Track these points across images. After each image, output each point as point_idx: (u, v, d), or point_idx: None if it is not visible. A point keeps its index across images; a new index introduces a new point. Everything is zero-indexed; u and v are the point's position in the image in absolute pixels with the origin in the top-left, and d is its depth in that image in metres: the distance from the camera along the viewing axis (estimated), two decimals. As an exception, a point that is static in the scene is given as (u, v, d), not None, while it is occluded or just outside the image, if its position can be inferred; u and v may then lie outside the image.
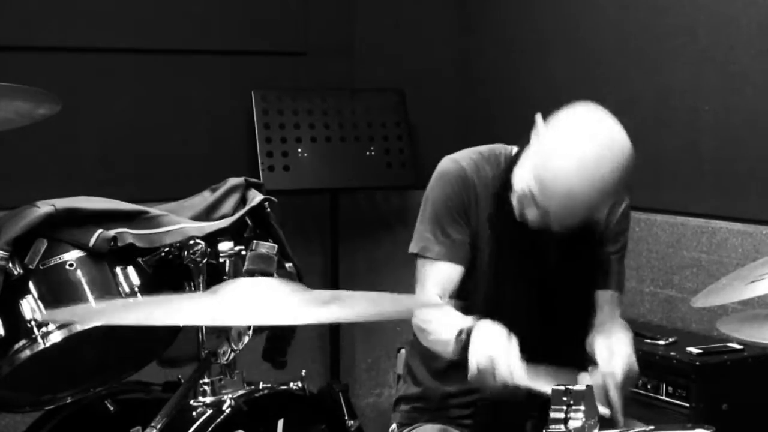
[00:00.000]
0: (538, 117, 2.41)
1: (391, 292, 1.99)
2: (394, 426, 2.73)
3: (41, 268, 2.57)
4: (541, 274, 2.54)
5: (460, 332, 2.37)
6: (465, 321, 2.40)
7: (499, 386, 2.30)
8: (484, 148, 2.61)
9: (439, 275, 2.54)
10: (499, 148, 2.61)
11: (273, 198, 2.91)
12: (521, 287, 2.54)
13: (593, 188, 2.32)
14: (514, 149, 2.57)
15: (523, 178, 2.41)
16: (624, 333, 2.60)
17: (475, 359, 2.31)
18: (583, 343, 2.57)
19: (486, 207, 2.52)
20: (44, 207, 2.59)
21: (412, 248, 2.58)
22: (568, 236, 2.44)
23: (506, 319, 2.40)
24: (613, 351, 2.46)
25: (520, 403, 2.41)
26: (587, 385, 2.23)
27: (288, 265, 2.83)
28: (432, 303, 2.44)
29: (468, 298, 2.55)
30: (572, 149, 2.32)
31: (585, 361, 2.52)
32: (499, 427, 2.59)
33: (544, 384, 2.26)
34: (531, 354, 2.38)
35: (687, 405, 3.13)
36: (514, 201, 2.44)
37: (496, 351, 2.31)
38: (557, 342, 2.54)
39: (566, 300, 2.56)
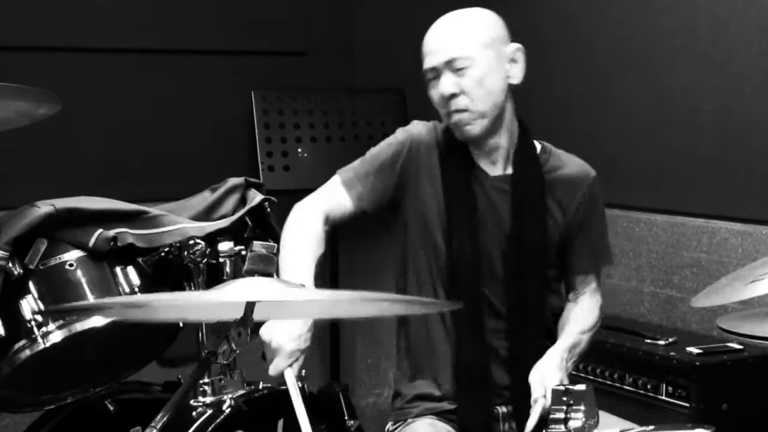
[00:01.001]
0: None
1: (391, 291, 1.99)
2: (389, 425, 2.75)
3: (41, 268, 2.57)
4: (498, 236, 2.62)
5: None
6: (304, 280, 2.45)
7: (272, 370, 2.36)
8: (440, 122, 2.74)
9: (336, 199, 2.63)
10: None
11: (273, 198, 2.91)
12: (476, 231, 2.60)
13: (448, 16, 2.63)
14: None
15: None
16: (569, 340, 2.64)
17: (266, 333, 2.37)
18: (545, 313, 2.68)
19: (433, 169, 2.63)
20: (44, 207, 2.59)
21: (340, 172, 2.68)
22: (519, 194, 2.60)
23: (464, 268, 2.55)
24: (542, 376, 2.50)
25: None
26: (587, 385, 2.24)
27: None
28: (307, 215, 2.57)
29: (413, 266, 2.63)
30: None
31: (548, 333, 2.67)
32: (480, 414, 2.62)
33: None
34: (497, 318, 2.59)
35: (687, 405, 3.13)
36: (450, 128, 2.61)
37: (282, 340, 2.35)
38: (521, 306, 2.62)
39: (526, 265, 2.62)
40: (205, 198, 2.88)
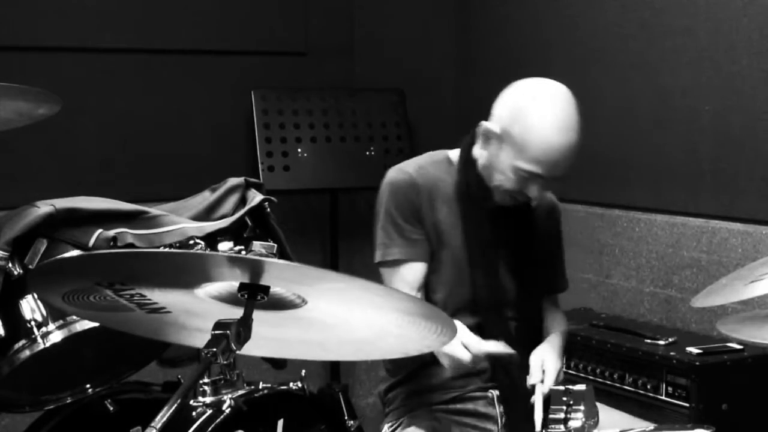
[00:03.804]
0: (484, 124, 2.66)
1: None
2: (386, 428, 2.79)
3: (41, 268, 2.57)
4: (512, 253, 2.77)
5: None
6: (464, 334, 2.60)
7: (471, 365, 2.55)
8: (424, 156, 2.84)
9: (405, 275, 2.72)
10: (438, 153, 2.83)
11: (273, 198, 2.91)
12: (496, 268, 2.74)
13: (571, 131, 2.59)
14: (455, 151, 2.79)
15: (503, 170, 2.63)
16: (558, 335, 2.80)
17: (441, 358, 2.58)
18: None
19: (441, 205, 2.72)
20: (44, 207, 2.59)
21: (376, 258, 2.77)
22: (524, 214, 2.75)
23: (486, 300, 2.69)
24: (546, 367, 2.64)
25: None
26: (587, 385, 2.24)
27: (288, 265, 2.82)
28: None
29: (439, 291, 2.74)
30: (539, 112, 2.58)
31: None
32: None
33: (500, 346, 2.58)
34: (514, 329, 2.74)
35: (687, 405, 3.13)
36: (497, 195, 2.68)
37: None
38: (532, 313, 2.81)
39: (532, 273, 2.80)
40: (205, 198, 2.88)
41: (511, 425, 2.68)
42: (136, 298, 1.93)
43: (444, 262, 2.73)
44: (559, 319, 2.89)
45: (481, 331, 2.64)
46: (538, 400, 2.53)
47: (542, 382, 2.59)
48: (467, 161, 2.73)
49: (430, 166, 2.77)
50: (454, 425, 2.69)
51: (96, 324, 2.47)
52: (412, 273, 2.71)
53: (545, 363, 2.64)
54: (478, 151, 2.70)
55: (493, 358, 2.63)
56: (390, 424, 2.77)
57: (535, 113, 2.58)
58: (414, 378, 2.76)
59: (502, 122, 2.62)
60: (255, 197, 2.88)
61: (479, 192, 2.70)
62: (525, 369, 2.64)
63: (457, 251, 2.72)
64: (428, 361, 2.70)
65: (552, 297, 2.94)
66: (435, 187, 2.73)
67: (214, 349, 1.80)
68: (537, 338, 2.76)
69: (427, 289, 2.74)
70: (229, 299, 1.91)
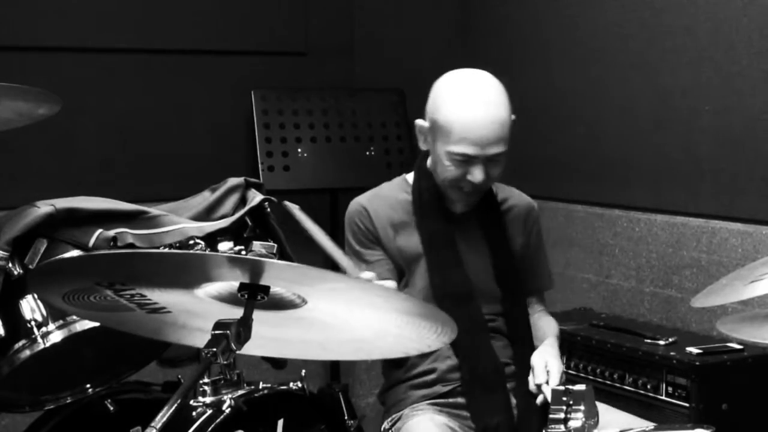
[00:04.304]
0: (417, 121, 2.78)
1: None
2: (386, 424, 2.80)
3: (41, 268, 2.57)
4: (484, 253, 2.84)
5: None
6: None
7: None
8: (382, 184, 2.94)
9: None
10: (396, 179, 2.94)
11: (273, 198, 2.91)
12: (455, 264, 2.79)
13: (490, 104, 2.67)
14: (411, 173, 2.89)
15: (441, 160, 2.70)
16: (554, 338, 2.86)
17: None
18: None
19: (401, 228, 2.82)
20: (44, 207, 2.59)
21: None
22: (489, 224, 2.85)
23: (447, 295, 2.74)
24: (550, 368, 2.68)
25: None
26: (587, 385, 2.24)
27: (288, 265, 2.83)
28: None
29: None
30: (457, 94, 2.69)
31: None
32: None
33: None
34: (503, 324, 2.81)
35: (687, 405, 3.13)
36: (449, 192, 2.76)
37: None
38: (517, 309, 2.86)
39: (507, 271, 2.86)
40: (205, 198, 2.88)
41: (477, 415, 2.71)
42: (136, 298, 1.93)
43: (416, 278, 2.80)
44: (552, 324, 2.94)
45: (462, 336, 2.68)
46: (549, 397, 2.54)
47: (548, 382, 2.62)
48: (420, 170, 2.84)
49: (386, 191, 2.89)
50: (454, 418, 2.70)
51: (96, 324, 2.47)
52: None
53: (549, 364, 2.67)
54: (423, 153, 2.80)
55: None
56: (391, 419, 2.77)
57: (453, 95, 2.68)
58: (412, 374, 2.78)
59: (428, 114, 2.74)
60: (255, 197, 2.88)
61: (433, 196, 2.79)
62: (524, 366, 2.72)
63: (423, 264, 2.80)
64: (426, 358, 2.74)
65: (538, 296, 2.99)
66: (392, 209, 2.83)
67: (214, 349, 1.80)
68: (525, 334, 2.83)
69: None
70: (229, 299, 1.91)
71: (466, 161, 2.67)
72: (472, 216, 2.84)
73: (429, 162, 2.81)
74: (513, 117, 2.73)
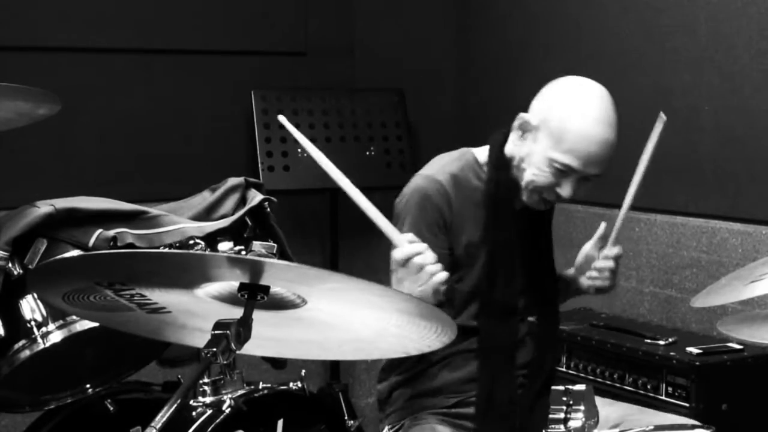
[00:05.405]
0: (522, 115, 2.62)
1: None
2: (386, 429, 2.78)
3: (41, 268, 2.57)
4: (531, 256, 2.75)
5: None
6: None
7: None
8: (449, 158, 2.73)
9: None
10: (464, 153, 2.74)
11: (273, 198, 2.91)
12: (515, 273, 2.70)
13: (609, 126, 2.60)
14: (482, 150, 2.71)
15: (537, 163, 2.59)
16: None
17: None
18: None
19: (470, 223, 2.66)
20: (44, 207, 2.59)
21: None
22: (540, 225, 2.76)
23: (503, 306, 2.65)
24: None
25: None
26: (587, 385, 2.24)
27: (288, 265, 2.82)
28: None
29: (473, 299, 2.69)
30: (579, 105, 2.58)
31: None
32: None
33: None
34: (535, 330, 2.73)
35: (687, 405, 3.13)
36: (526, 195, 2.63)
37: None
38: (552, 314, 2.80)
39: (548, 275, 2.81)
40: (205, 198, 2.88)
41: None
42: (136, 298, 1.93)
43: (468, 275, 2.68)
44: None
45: (491, 336, 2.65)
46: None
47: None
48: (498, 160, 2.68)
49: (460, 171, 2.69)
50: (457, 428, 2.67)
51: (96, 324, 2.47)
52: None
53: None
54: (512, 147, 2.65)
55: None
56: (390, 426, 2.76)
57: (574, 104, 2.57)
58: (416, 381, 2.73)
59: (540, 113, 2.60)
60: (255, 197, 2.88)
61: (508, 194, 2.66)
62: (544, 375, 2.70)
63: (480, 264, 2.68)
64: (431, 364, 2.69)
65: None
66: (467, 198, 2.67)
67: (214, 349, 1.80)
68: (554, 341, 2.80)
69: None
70: (229, 299, 1.91)
71: (563, 172, 2.57)
72: (526, 214, 2.71)
73: (516, 154, 2.64)
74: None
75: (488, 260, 2.65)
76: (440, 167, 2.70)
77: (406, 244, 2.44)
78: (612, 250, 2.72)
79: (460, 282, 2.66)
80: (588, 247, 2.79)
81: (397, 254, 2.45)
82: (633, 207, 2.82)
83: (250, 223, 2.85)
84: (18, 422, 3.01)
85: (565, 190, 2.59)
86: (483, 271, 2.66)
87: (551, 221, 2.83)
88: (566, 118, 2.55)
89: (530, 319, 2.74)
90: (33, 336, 2.51)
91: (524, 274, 2.72)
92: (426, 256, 2.42)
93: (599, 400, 2.41)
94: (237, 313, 1.86)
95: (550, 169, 2.57)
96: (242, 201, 2.89)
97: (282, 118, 2.60)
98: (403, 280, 2.45)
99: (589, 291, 2.80)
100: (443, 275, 2.43)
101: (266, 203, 2.88)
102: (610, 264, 2.72)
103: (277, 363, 2.88)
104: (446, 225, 2.64)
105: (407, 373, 2.74)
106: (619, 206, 2.75)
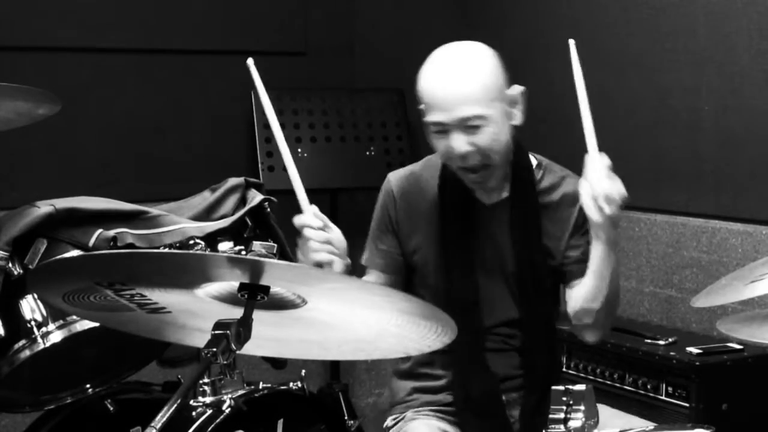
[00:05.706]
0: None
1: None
2: (389, 420, 2.77)
3: (41, 268, 2.57)
4: (499, 260, 2.64)
5: None
6: None
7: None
8: (424, 159, 2.74)
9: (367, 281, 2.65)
10: (435, 156, 2.68)
11: (273, 198, 2.92)
12: (483, 276, 2.63)
13: (452, 64, 2.52)
14: None
15: (431, 140, 2.55)
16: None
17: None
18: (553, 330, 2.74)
19: (429, 209, 2.65)
20: (44, 207, 2.59)
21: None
22: (518, 217, 2.62)
23: (474, 310, 2.61)
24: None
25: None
26: (587, 385, 2.24)
27: (288, 265, 2.83)
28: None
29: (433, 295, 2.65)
30: (428, 64, 2.55)
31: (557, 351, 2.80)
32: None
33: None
34: (519, 338, 2.64)
35: (687, 405, 3.13)
36: (461, 176, 2.58)
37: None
38: (537, 319, 2.66)
39: (527, 284, 2.64)
40: (205, 198, 2.88)
41: None
42: (136, 298, 1.93)
43: (428, 277, 2.67)
44: None
45: (459, 352, 2.57)
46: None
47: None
48: None
49: (422, 170, 2.71)
50: (455, 426, 2.68)
51: (96, 324, 2.47)
52: (378, 282, 2.67)
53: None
54: None
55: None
56: (394, 416, 2.76)
57: (425, 66, 2.55)
58: (420, 376, 2.73)
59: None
60: (255, 197, 2.88)
61: (459, 184, 2.61)
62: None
63: (435, 262, 2.65)
64: (432, 361, 2.70)
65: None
66: (420, 195, 2.66)
67: (214, 349, 1.80)
68: (538, 343, 2.66)
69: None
70: (229, 299, 1.91)
71: (443, 132, 2.50)
72: (505, 207, 2.63)
73: None
74: (521, 89, 2.60)
75: (442, 254, 2.63)
76: (407, 168, 2.75)
77: (307, 215, 2.52)
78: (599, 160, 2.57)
79: (420, 284, 2.67)
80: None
81: (295, 220, 2.53)
82: (633, 207, 2.81)
83: (250, 223, 2.86)
84: (18, 422, 3.01)
85: (455, 144, 2.49)
86: (439, 266, 2.64)
87: (538, 218, 2.65)
88: (421, 79, 2.54)
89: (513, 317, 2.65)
90: (33, 336, 2.51)
91: (491, 270, 2.63)
92: (317, 233, 2.48)
93: (606, 409, 2.41)
94: (237, 313, 1.87)
95: (435, 136, 2.54)
96: (242, 201, 2.89)
97: (250, 62, 2.69)
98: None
99: (604, 231, 2.53)
100: (322, 256, 2.45)
101: (266, 203, 2.89)
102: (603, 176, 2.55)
103: (277, 363, 2.88)
104: (393, 224, 2.67)
105: (411, 367, 2.75)
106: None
